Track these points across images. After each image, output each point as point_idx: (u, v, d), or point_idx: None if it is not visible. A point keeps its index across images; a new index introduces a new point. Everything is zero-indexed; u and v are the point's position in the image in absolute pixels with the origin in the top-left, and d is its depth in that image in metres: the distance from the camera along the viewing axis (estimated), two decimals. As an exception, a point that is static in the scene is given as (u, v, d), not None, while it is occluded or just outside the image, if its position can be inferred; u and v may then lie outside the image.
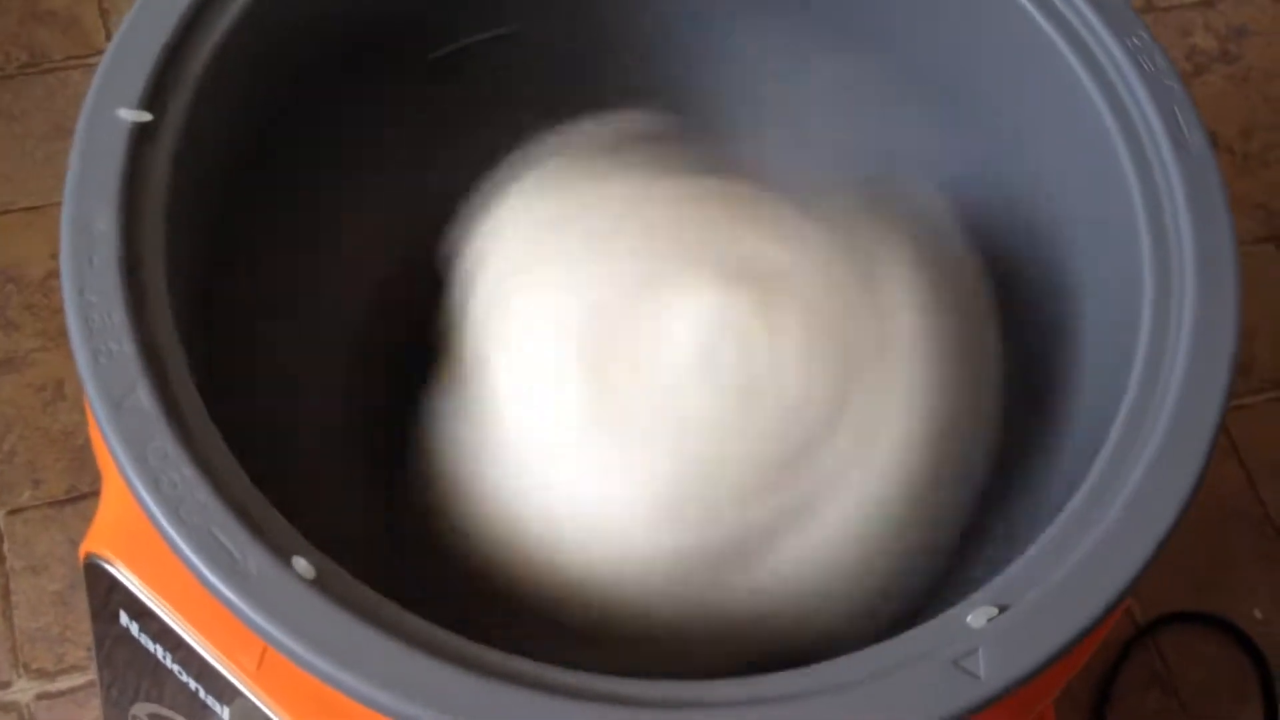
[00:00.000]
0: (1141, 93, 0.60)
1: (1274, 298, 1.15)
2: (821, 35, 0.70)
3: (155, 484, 0.49)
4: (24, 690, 0.95)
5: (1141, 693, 1.01)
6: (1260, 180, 1.22)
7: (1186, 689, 1.01)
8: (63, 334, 1.05)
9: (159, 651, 0.56)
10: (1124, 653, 1.01)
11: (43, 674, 0.96)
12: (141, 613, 0.55)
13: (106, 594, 0.57)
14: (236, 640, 0.53)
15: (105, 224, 0.54)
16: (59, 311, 1.06)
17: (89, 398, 0.51)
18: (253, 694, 0.53)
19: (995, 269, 0.67)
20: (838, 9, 0.70)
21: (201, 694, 0.56)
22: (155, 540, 0.49)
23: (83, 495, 1.01)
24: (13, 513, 1.00)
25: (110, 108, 0.56)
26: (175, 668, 0.56)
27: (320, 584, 0.48)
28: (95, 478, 1.01)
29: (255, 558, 0.48)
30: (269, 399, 0.61)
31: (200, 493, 0.49)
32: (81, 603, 0.97)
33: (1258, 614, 1.05)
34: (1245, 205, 1.20)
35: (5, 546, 0.99)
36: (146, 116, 0.56)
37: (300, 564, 0.48)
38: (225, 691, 0.54)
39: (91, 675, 0.95)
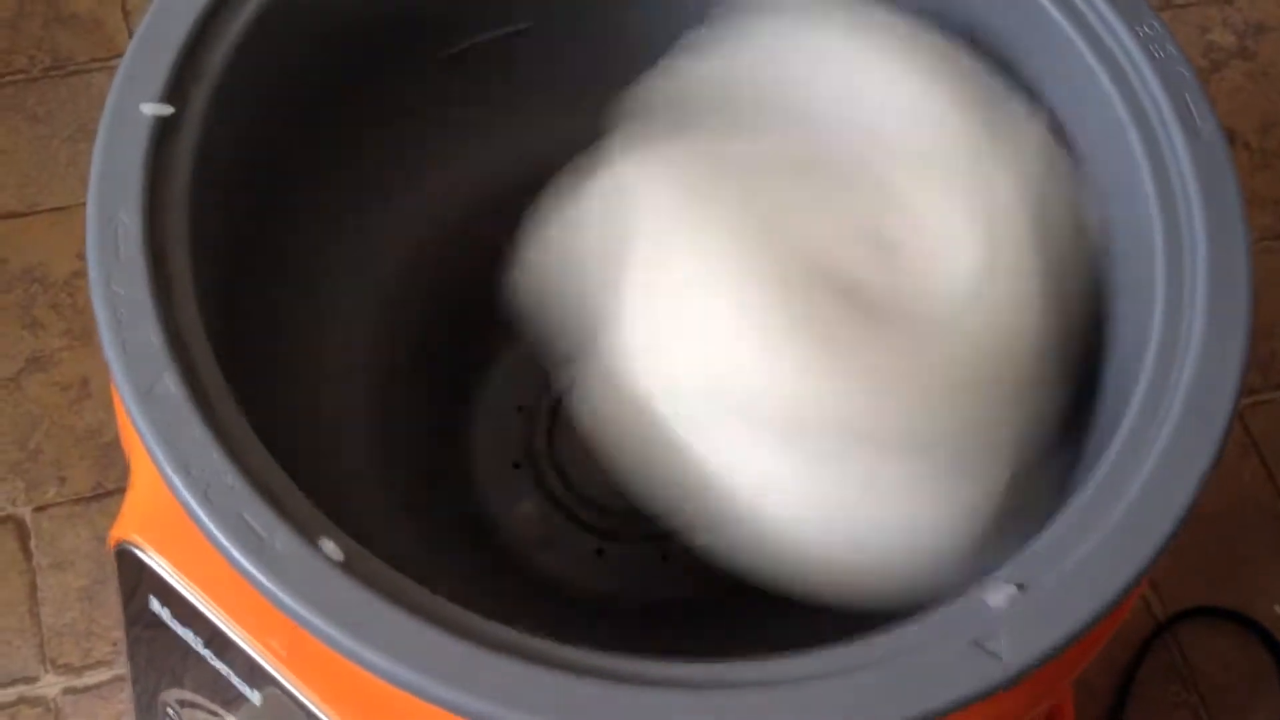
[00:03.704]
0: (1153, 80, 0.60)
1: (1294, 293, 1.15)
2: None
3: (185, 469, 0.50)
4: (51, 685, 0.96)
5: (1161, 687, 1.01)
6: (1279, 176, 1.22)
7: (1206, 684, 1.01)
8: (88, 333, 1.07)
9: (189, 636, 0.57)
10: (1144, 647, 1.01)
11: (69, 669, 0.96)
12: (171, 598, 0.56)
13: (136, 580, 0.57)
14: (266, 624, 0.53)
15: (129, 216, 0.54)
16: (84, 311, 1.07)
17: (117, 386, 0.52)
18: (283, 677, 0.53)
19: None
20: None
21: (231, 678, 0.56)
22: (185, 525, 0.50)
23: (108, 492, 1.02)
24: (39, 509, 1.01)
25: (133, 102, 0.57)
26: (205, 653, 0.56)
27: (348, 565, 0.48)
28: (120, 475, 1.02)
29: (283, 540, 0.49)
30: (295, 383, 0.61)
31: (228, 476, 0.50)
32: (107, 598, 0.97)
33: (1278, 609, 1.05)
34: (1264, 200, 1.20)
35: (32, 543, 1.00)
36: (168, 110, 0.57)
37: (328, 546, 0.49)
38: (255, 676, 0.55)
39: (118, 670, 0.96)
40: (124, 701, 0.94)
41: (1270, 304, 1.12)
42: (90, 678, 0.96)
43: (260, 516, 0.49)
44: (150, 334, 0.52)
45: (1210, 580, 1.04)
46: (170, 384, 0.51)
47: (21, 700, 0.95)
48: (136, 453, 0.54)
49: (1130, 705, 1.00)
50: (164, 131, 0.57)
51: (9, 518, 1.01)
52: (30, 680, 0.96)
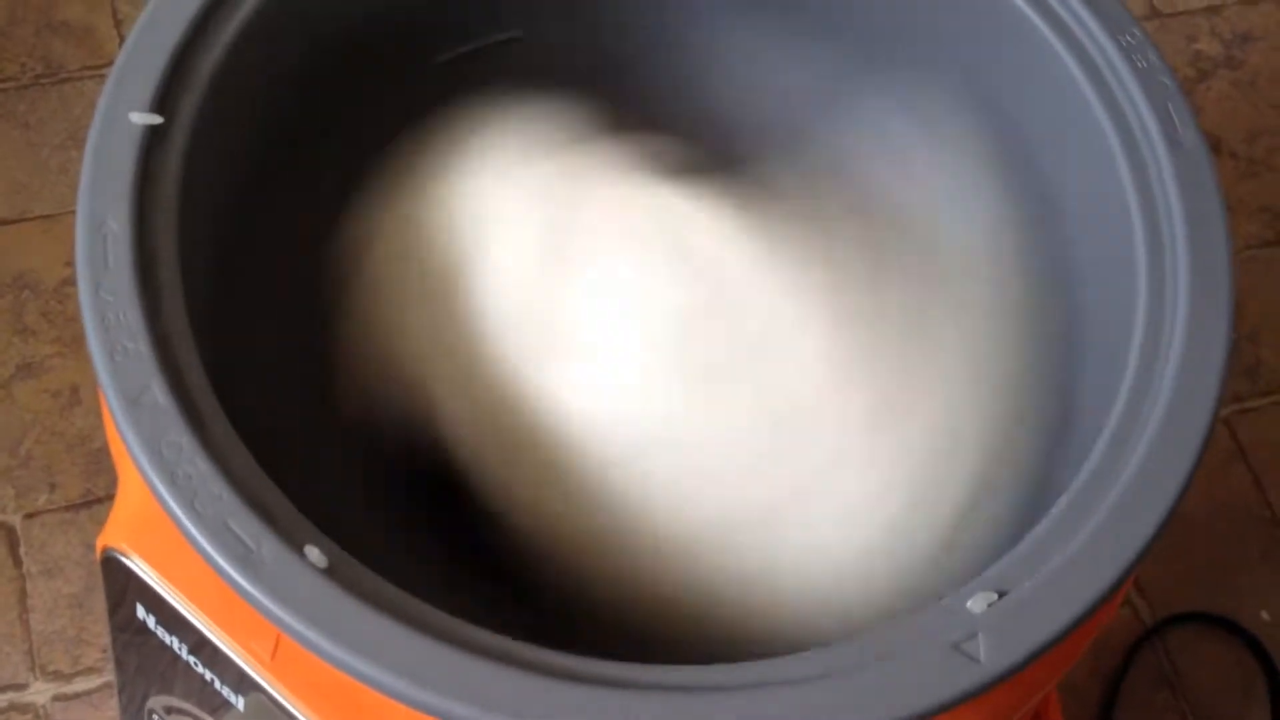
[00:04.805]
0: (1135, 89, 0.61)
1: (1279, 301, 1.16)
2: (816, 34, 0.71)
3: (171, 478, 0.50)
4: (41, 692, 0.96)
5: (1149, 693, 1.01)
6: (1265, 184, 1.23)
7: (1194, 690, 1.02)
8: (78, 340, 1.07)
9: (174, 644, 0.57)
10: (1132, 653, 1.01)
11: (59, 676, 0.96)
12: (158, 605, 0.56)
13: (123, 587, 0.57)
14: (251, 630, 0.53)
15: (118, 224, 0.55)
16: (74, 319, 1.08)
17: (105, 394, 0.52)
18: (267, 684, 0.53)
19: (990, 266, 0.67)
20: (832, 6, 0.71)
21: (216, 685, 0.56)
22: (171, 533, 0.50)
23: (98, 499, 1.02)
24: (29, 516, 1.01)
25: (122, 111, 0.57)
26: (190, 659, 0.57)
27: (333, 572, 0.49)
28: (110, 481, 1.02)
29: (269, 548, 0.49)
30: (283, 392, 0.61)
31: (215, 485, 0.50)
32: (97, 605, 0.98)
33: (1265, 615, 1.05)
34: (1250, 209, 1.21)
35: (22, 550, 1.00)
36: (157, 119, 0.57)
37: (313, 553, 0.49)
38: (240, 682, 0.55)
39: (107, 677, 0.96)
40: (114, 709, 0.94)
41: (1256, 311, 1.13)
42: (80, 684, 0.96)
43: (247, 526, 0.49)
44: (138, 342, 0.52)
45: (1198, 586, 1.05)
46: (158, 392, 0.51)
47: (11, 707, 0.95)
48: (123, 461, 0.55)
49: (1118, 711, 1.00)
50: (153, 139, 0.57)
51: (-1, 524, 1.01)
52: (19, 687, 0.96)
